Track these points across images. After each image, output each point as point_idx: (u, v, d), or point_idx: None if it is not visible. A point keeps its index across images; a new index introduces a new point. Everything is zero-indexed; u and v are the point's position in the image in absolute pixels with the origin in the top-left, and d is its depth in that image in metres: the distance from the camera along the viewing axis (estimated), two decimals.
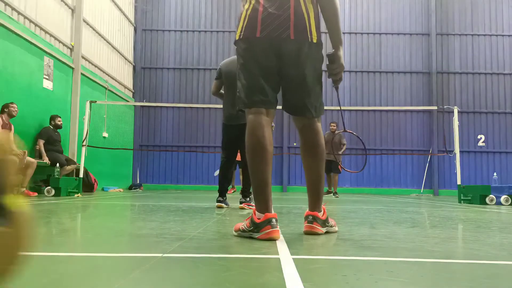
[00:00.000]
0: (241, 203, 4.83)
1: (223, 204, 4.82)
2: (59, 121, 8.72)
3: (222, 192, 4.88)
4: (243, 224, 2.24)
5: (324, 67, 2.50)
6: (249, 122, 2.27)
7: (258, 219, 2.13)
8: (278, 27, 2.22)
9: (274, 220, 2.12)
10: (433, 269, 1.49)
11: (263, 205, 2.18)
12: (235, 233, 2.27)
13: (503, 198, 6.59)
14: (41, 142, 8.31)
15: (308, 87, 2.31)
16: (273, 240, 2.07)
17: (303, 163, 2.43)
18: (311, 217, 2.32)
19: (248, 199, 4.86)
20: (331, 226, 2.44)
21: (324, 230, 2.35)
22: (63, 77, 9.98)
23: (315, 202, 2.36)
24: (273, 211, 2.19)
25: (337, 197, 9.98)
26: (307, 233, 2.32)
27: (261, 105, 2.27)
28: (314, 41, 2.27)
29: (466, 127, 15.21)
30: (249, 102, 2.28)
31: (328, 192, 10.76)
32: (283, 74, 2.31)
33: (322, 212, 2.36)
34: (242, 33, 2.29)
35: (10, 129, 7.11)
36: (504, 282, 1.33)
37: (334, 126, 10.48)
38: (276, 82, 2.32)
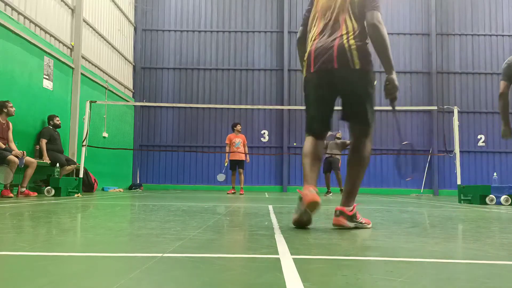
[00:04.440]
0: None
1: None
2: (58, 120, 8.73)
3: None
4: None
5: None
6: (306, 141, 2.94)
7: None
8: (326, 60, 2.77)
9: (312, 189, 2.61)
10: (433, 269, 1.49)
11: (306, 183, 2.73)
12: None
13: (503, 198, 6.59)
14: (44, 141, 8.31)
15: (361, 102, 2.78)
16: (315, 202, 2.51)
17: (347, 164, 2.85)
18: (338, 212, 2.71)
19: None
20: (361, 223, 2.75)
21: (351, 224, 2.70)
22: (63, 77, 9.98)
23: (345, 199, 2.76)
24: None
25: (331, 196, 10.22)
26: (335, 225, 2.71)
27: (314, 132, 2.90)
28: (357, 67, 2.72)
29: (466, 127, 15.21)
30: (308, 130, 2.93)
31: (328, 192, 10.86)
32: (341, 95, 2.85)
33: (351, 208, 2.72)
34: (305, 72, 2.94)
35: (9, 129, 7.07)
36: (504, 282, 1.33)
37: (340, 135, 11.02)
38: (329, 110, 2.87)
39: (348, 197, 2.76)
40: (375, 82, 2.85)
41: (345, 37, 2.76)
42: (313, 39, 2.89)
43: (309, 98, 2.90)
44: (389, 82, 2.77)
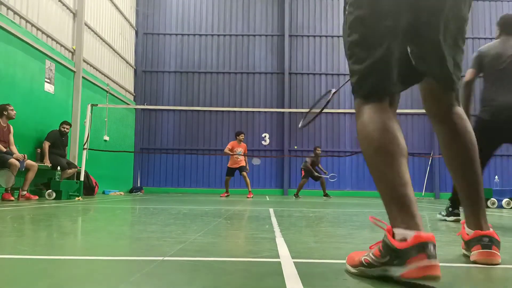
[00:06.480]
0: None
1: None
2: (63, 127, 8.57)
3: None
4: (367, 254, 1.36)
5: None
6: (366, 120, 1.42)
7: (401, 241, 1.24)
8: None
9: (431, 245, 1.22)
10: None
11: (406, 218, 1.29)
12: (353, 270, 1.40)
13: (504, 201, 6.58)
14: (47, 144, 8.29)
15: (449, 47, 1.50)
16: (431, 279, 1.20)
17: (450, 162, 1.62)
18: (487, 239, 1.50)
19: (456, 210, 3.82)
20: None
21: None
22: (64, 81, 10.00)
23: (482, 215, 1.57)
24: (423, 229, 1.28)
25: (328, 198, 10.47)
26: (484, 262, 1.54)
27: (383, 93, 1.44)
28: None
29: None
30: (366, 91, 1.45)
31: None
32: (415, 34, 1.46)
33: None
34: None
35: (9, 132, 7.08)
36: (506, 286, 1.33)
37: (319, 150, 11.35)
38: (404, 51, 1.47)
39: (483, 210, 1.62)
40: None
41: None
42: None
43: (366, 35, 1.45)
44: None
